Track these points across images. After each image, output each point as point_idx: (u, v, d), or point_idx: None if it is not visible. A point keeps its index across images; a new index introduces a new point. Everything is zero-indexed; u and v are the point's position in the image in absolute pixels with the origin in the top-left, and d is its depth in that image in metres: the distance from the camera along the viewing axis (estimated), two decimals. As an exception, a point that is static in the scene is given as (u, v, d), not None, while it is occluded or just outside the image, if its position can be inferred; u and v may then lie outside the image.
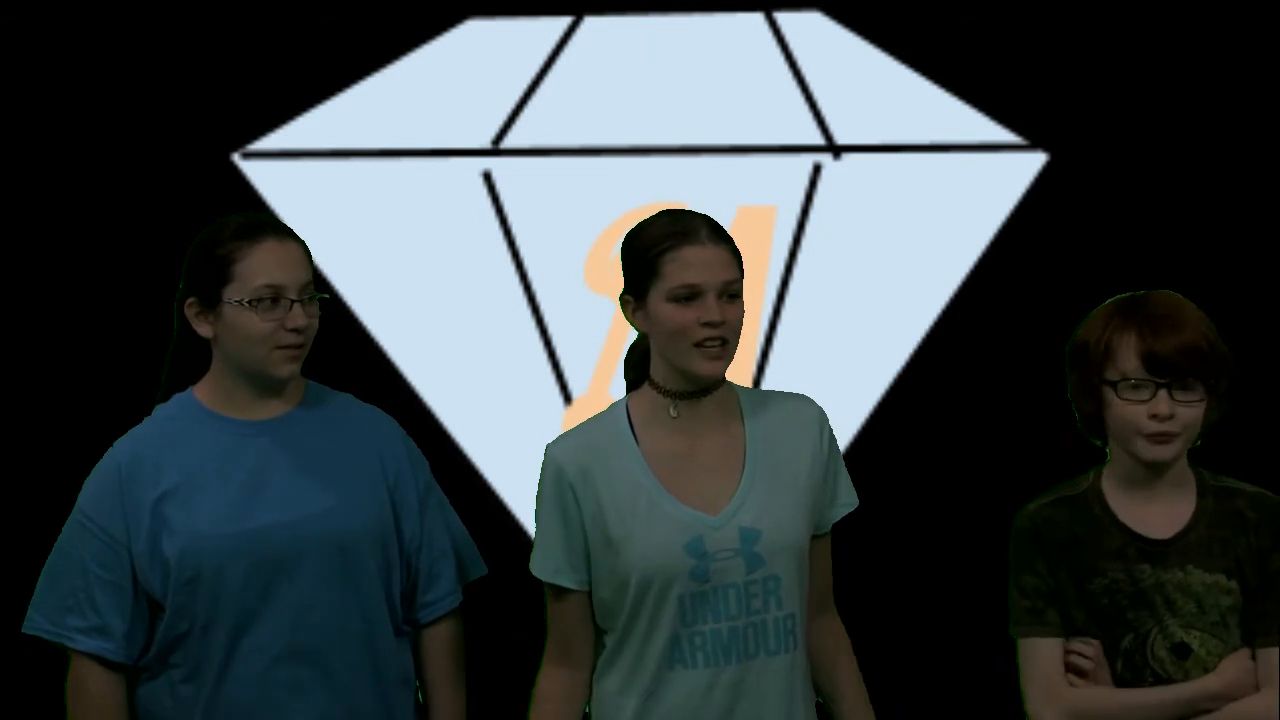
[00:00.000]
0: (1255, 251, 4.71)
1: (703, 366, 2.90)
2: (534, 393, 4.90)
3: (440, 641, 3.14)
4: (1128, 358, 2.87)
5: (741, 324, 2.94)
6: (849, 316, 4.83)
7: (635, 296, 2.95)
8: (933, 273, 4.82)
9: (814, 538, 3.01)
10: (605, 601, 2.95)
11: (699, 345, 2.89)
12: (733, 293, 2.91)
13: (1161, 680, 2.89)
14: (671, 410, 2.96)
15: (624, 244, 2.98)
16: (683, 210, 2.98)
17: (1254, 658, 2.91)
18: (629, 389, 3.06)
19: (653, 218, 2.97)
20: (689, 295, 2.88)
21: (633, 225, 2.98)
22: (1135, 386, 2.86)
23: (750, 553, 2.91)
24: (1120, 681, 2.91)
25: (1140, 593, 2.90)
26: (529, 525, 4.86)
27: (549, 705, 2.99)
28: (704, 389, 2.96)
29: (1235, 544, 2.91)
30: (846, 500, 3.06)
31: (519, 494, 4.89)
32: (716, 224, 2.96)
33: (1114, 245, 4.71)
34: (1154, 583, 2.90)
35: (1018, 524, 2.99)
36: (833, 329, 4.85)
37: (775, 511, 2.94)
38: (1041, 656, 2.92)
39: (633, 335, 3.04)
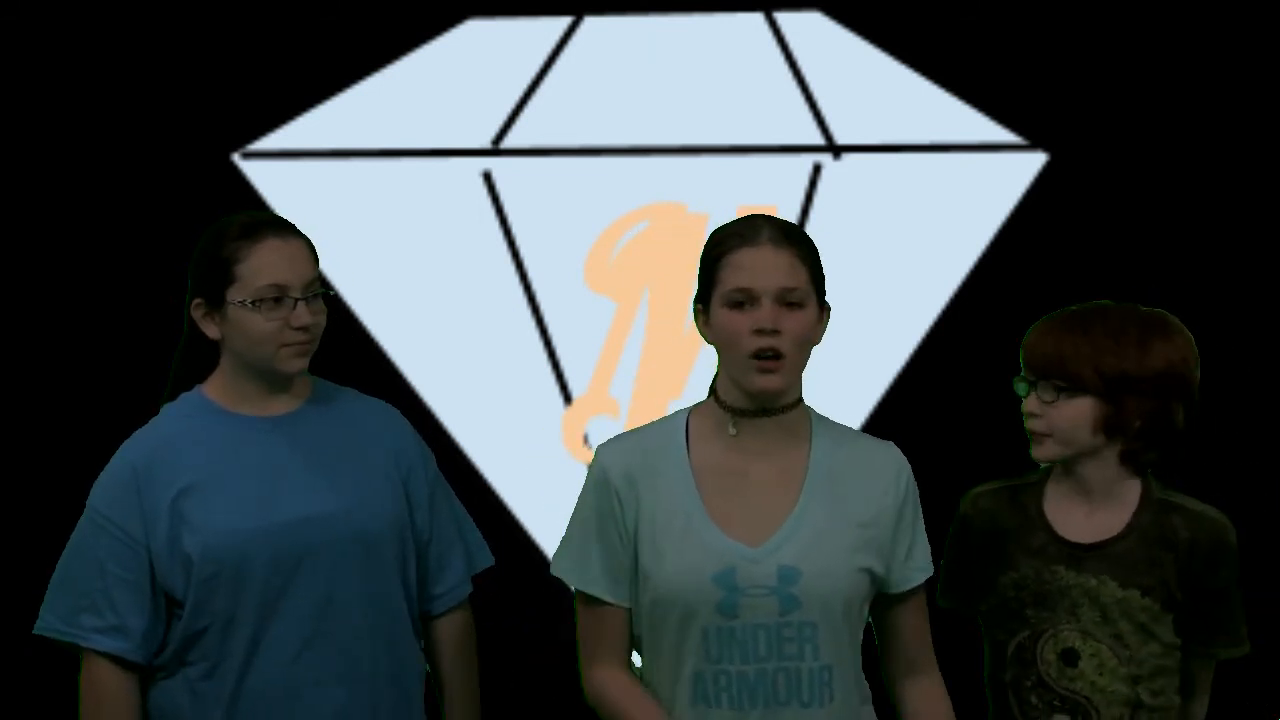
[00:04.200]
0: (1255, 252, 4.71)
1: (756, 380, 2.71)
2: (534, 393, 4.89)
3: (452, 632, 3.13)
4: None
5: (807, 337, 2.76)
6: (848, 317, 4.80)
7: (703, 304, 2.78)
8: (933, 273, 4.82)
9: (892, 597, 2.83)
10: (637, 619, 2.79)
11: (753, 356, 2.70)
12: (793, 301, 2.72)
13: (1045, 684, 2.90)
14: (731, 427, 2.76)
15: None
16: (757, 214, 2.81)
17: (1190, 667, 2.95)
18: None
19: (729, 221, 2.81)
20: (743, 300, 2.71)
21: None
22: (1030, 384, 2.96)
23: (786, 594, 2.70)
24: (1013, 680, 2.93)
25: (1046, 593, 2.91)
26: (529, 524, 4.88)
27: (617, 689, 2.76)
28: (766, 408, 2.76)
29: (1163, 561, 2.89)
30: (923, 564, 2.86)
31: (519, 493, 4.89)
32: (788, 227, 2.78)
33: (1114, 245, 4.71)
34: (1063, 585, 2.90)
35: (961, 505, 3.04)
36: (832, 329, 4.83)
37: (824, 553, 2.73)
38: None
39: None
